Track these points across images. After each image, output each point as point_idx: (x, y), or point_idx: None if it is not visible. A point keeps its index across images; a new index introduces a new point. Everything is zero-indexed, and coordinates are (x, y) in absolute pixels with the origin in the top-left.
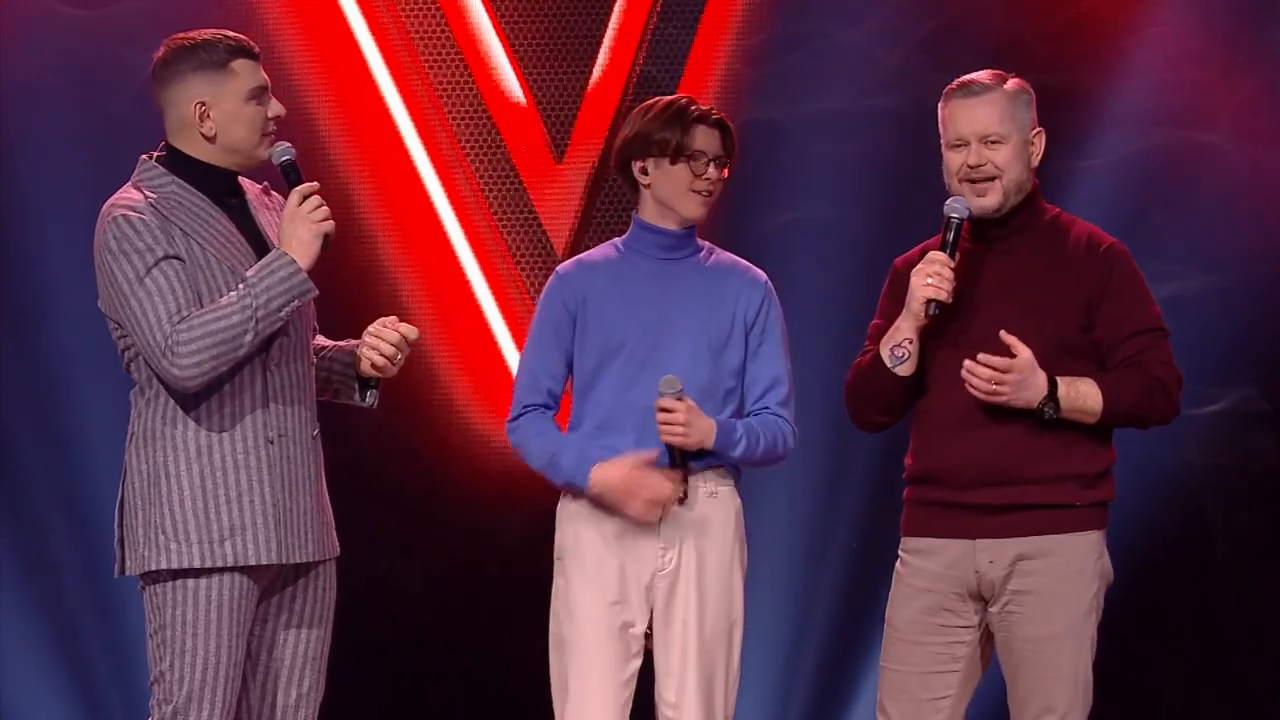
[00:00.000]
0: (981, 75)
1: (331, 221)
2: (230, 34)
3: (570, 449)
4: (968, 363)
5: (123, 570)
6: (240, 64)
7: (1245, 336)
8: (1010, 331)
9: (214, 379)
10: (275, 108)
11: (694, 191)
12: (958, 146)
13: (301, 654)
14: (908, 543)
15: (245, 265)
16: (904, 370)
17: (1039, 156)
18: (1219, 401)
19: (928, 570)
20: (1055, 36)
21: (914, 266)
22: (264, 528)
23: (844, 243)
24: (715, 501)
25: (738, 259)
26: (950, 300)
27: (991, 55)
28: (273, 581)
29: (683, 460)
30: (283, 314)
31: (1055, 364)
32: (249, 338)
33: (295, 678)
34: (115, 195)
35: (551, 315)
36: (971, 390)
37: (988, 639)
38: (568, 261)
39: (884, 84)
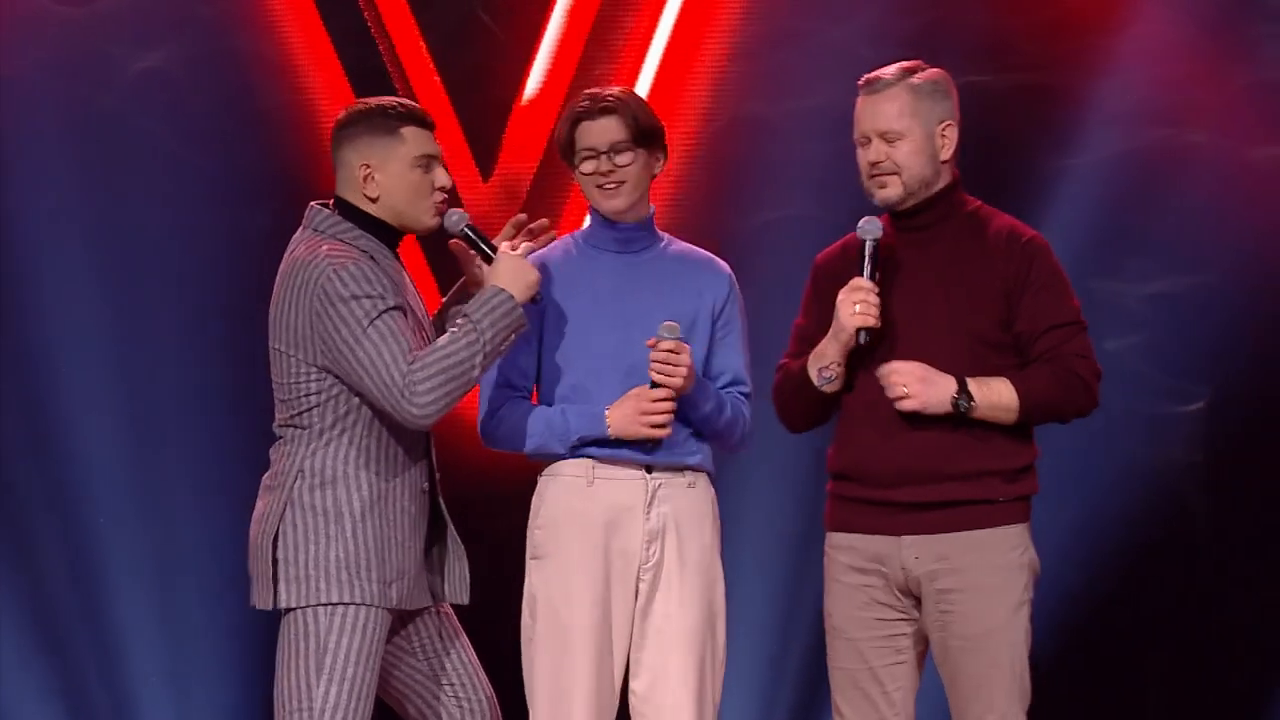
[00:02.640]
0: (889, 69)
1: (536, 273)
2: (406, 102)
3: (569, 410)
4: (883, 375)
5: (276, 602)
6: (410, 131)
7: (1228, 334)
8: (932, 326)
9: (442, 415)
10: (442, 177)
11: (597, 186)
12: (863, 144)
13: (469, 653)
14: (834, 538)
15: (424, 318)
16: (831, 389)
17: (950, 150)
18: (1202, 399)
19: (856, 566)
20: (1039, 34)
21: (834, 263)
22: (411, 575)
23: (830, 239)
24: (694, 493)
25: (698, 249)
26: (879, 325)
27: (975, 54)
28: (405, 617)
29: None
30: (503, 348)
31: (979, 358)
32: (476, 373)
33: (479, 672)
34: (313, 247)
35: None
36: (896, 402)
37: (924, 639)
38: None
39: None
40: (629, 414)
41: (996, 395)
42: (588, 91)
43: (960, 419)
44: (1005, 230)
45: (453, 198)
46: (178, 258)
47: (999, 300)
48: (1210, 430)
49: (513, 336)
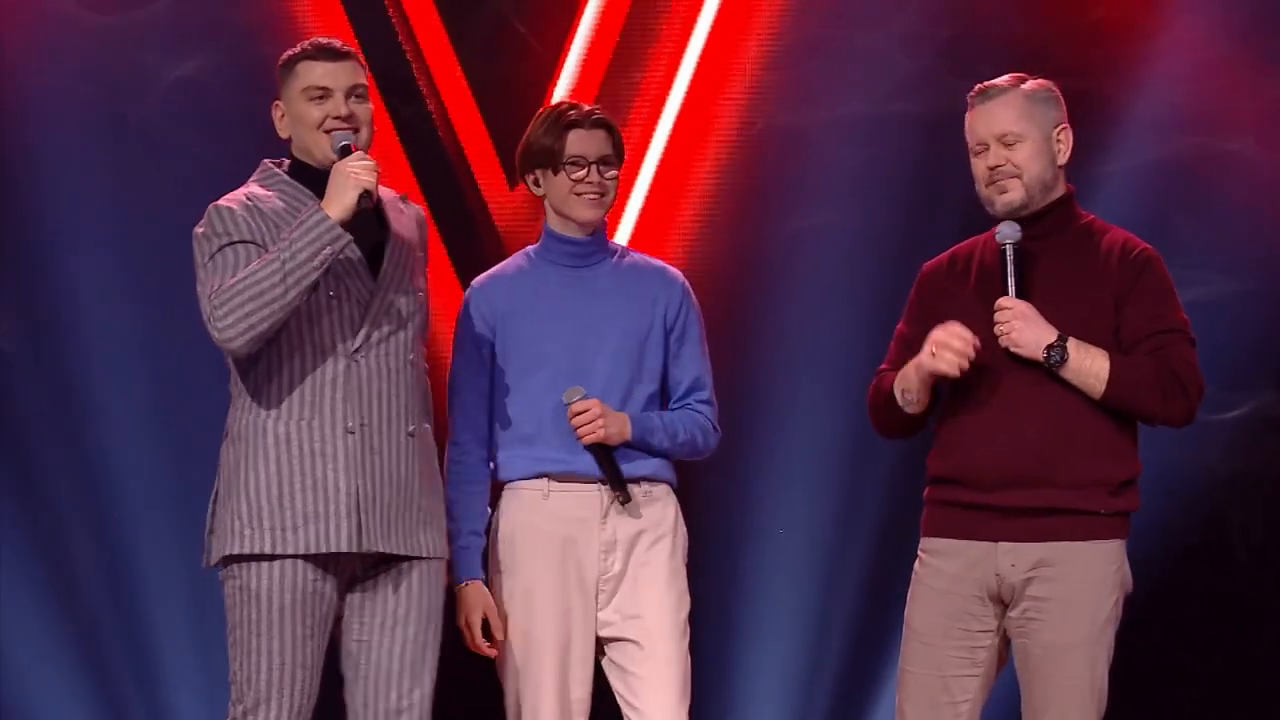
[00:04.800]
0: (1000, 79)
1: (371, 177)
2: (318, 40)
3: (468, 550)
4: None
5: (208, 561)
6: (304, 65)
7: (1266, 341)
8: None
9: (262, 343)
10: (335, 106)
11: (577, 195)
12: (979, 152)
13: (398, 656)
14: (927, 543)
15: (343, 259)
16: (914, 410)
17: (1066, 154)
18: (1241, 406)
19: (947, 572)
20: (1076, 41)
21: (941, 274)
22: (337, 516)
23: (866, 247)
24: (652, 501)
25: (652, 259)
26: (960, 375)
27: (1012, 61)
28: (356, 575)
29: (611, 461)
30: (315, 262)
31: None
32: (280, 290)
33: (394, 681)
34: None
35: (471, 332)
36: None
37: (1006, 642)
38: (481, 276)
39: (905, 89)
40: (474, 609)
41: (1091, 360)
42: (564, 101)
43: (1072, 424)
44: (1119, 243)
45: (482, 204)
46: None
47: (1109, 312)
48: (1249, 438)
49: (326, 250)
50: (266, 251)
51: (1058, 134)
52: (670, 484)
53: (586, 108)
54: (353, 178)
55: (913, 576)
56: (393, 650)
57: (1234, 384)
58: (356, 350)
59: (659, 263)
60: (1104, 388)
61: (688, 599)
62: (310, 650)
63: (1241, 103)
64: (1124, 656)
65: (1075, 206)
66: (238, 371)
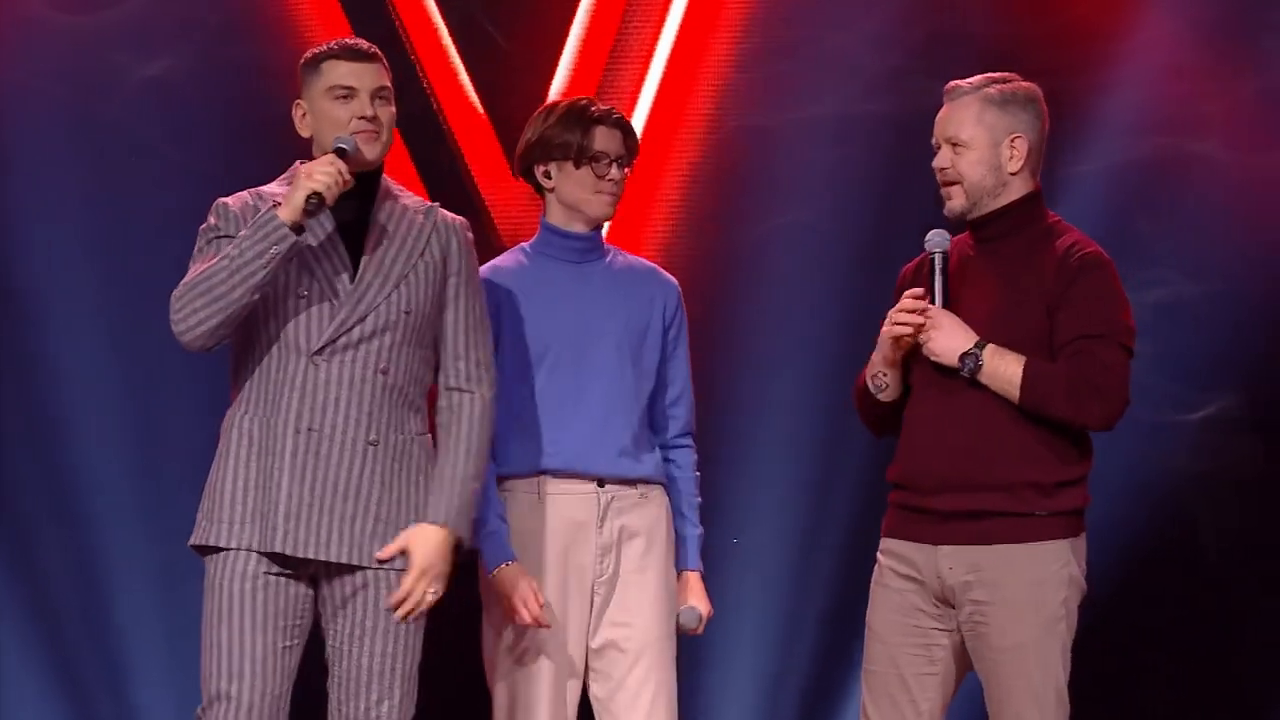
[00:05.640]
0: (968, 80)
1: (325, 179)
2: (344, 40)
3: (497, 534)
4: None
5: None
6: (329, 64)
7: (1232, 343)
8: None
9: (217, 340)
10: (361, 106)
11: (599, 192)
12: (935, 149)
13: (365, 668)
14: (884, 544)
15: (325, 260)
16: (885, 397)
17: (1018, 162)
18: (1205, 408)
19: (899, 572)
20: (1044, 42)
21: (909, 277)
22: (275, 515)
23: (836, 246)
24: (646, 504)
25: (645, 260)
26: (912, 339)
27: (981, 61)
28: (319, 576)
29: None
30: (261, 261)
31: None
32: (226, 287)
33: (361, 691)
34: None
35: None
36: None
37: (962, 655)
38: (482, 268)
39: (875, 89)
40: (511, 590)
41: (1005, 366)
42: (580, 98)
43: (1003, 428)
44: (1066, 246)
45: (479, 198)
46: (182, 267)
47: (1039, 315)
48: (1216, 439)
49: (273, 249)
50: None
51: (1010, 140)
52: (663, 485)
53: (605, 105)
54: (305, 178)
55: (872, 577)
56: (360, 661)
57: (1200, 385)
58: (317, 352)
59: (651, 264)
60: (1018, 396)
61: (674, 601)
62: (263, 645)
63: (1208, 105)
64: (1098, 658)
65: (1038, 208)
66: (230, 368)
